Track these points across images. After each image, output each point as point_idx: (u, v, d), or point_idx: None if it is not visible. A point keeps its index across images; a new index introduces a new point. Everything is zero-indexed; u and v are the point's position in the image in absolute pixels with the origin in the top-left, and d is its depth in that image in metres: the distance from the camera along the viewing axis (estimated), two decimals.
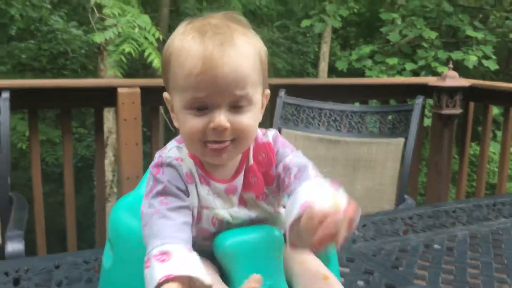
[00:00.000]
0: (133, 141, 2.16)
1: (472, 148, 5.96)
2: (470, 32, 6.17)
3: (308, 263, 0.67)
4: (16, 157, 7.57)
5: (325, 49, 8.78)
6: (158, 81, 2.87)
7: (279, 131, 2.12)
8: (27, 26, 8.28)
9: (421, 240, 1.15)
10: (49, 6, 8.48)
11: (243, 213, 0.70)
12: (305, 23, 6.41)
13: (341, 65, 6.68)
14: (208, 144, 0.65)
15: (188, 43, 0.65)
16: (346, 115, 2.12)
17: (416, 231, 1.21)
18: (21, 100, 1.94)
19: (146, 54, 4.67)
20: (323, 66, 8.73)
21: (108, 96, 2.14)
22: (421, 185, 4.77)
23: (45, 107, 2.65)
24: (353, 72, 6.86)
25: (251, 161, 0.71)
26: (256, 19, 9.59)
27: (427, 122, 3.74)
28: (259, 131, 0.73)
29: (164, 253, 0.60)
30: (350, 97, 2.77)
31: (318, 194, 0.61)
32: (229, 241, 0.65)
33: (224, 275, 0.66)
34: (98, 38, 4.96)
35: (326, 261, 0.70)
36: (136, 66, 8.31)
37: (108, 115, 5.73)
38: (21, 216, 1.56)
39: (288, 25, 9.92)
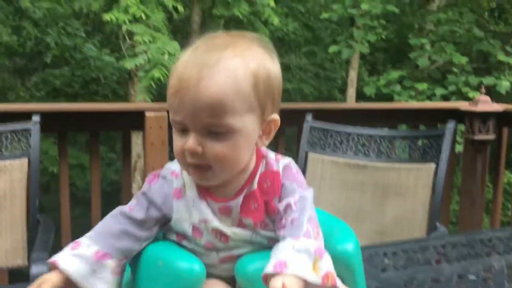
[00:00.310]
0: (160, 164, 2.13)
1: (506, 176, 5.78)
2: (502, 57, 6.06)
3: None
4: (48, 180, 7.73)
5: (352, 75, 8.75)
6: None
7: (306, 155, 2.10)
8: (61, 53, 8.57)
9: (455, 270, 1.09)
10: (83, 35, 8.78)
11: (244, 233, 0.68)
12: (332, 49, 6.42)
13: (369, 90, 6.64)
14: (189, 166, 0.64)
15: (179, 60, 0.64)
16: (375, 140, 2.08)
17: (449, 261, 1.15)
18: (51, 123, 1.98)
19: None
20: (351, 92, 8.70)
21: (136, 120, 2.16)
22: (452, 213, 4.63)
23: (74, 130, 2.71)
24: (381, 98, 6.80)
25: (255, 186, 0.68)
26: (284, 45, 9.67)
27: (458, 148, 3.65)
28: (273, 156, 0.70)
29: (77, 242, 0.66)
30: (378, 122, 2.73)
31: (296, 259, 0.61)
32: (252, 266, 0.62)
33: None
34: (129, 64, 5.08)
35: None
36: (164, 92, 8.45)
37: (137, 140, 5.82)
38: (47, 238, 1.56)
39: (315, 51, 9.96)
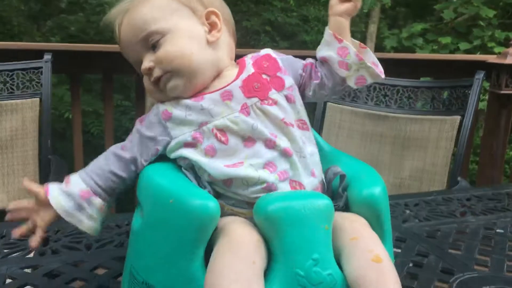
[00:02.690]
0: None
1: None
2: None
3: (361, 240, 0.58)
4: (64, 127, 7.78)
5: (372, 29, 8.48)
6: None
7: (324, 104, 2.02)
8: None
9: (481, 223, 1.04)
10: None
11: (243, 119, 0.64)
12: None
13: (390, 43, 6.43)
14: (157, 87, 0.69)
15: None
16: (397, 90, 1.99)
17: (475, 214, 1.09)
18: (63, 63, 1.91)
19: None
20: (370, 46, 8.43)
21: None
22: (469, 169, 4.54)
23: (87, 71, 2.66)
24: (401, 52, 6.58)
25: (252, 70, 0.68)
26: None
27: (480, 105, 3.52)
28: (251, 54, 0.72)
29: (68, 179, 0.68)
30: (400, 73, 2.61)
31: None
32: (272, 206, 0.57)
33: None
34: None
35: (381, 237, 0.61)
36: None
37: None
38: (60, 179, 1.54)
39: None
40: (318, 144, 0.76)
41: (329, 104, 2.03)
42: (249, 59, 0.71)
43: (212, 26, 0.71)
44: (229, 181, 0.63)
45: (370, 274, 0.54)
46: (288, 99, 0.68)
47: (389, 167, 1.95)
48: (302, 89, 0.72)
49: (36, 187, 0.68)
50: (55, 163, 1.66)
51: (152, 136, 0.67)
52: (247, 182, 0.63)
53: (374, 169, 0.70)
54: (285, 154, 0.65)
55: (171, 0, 0.70)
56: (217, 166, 0.63)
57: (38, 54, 1.75)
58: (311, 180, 0.67)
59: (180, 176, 0.64)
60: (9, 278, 0.75)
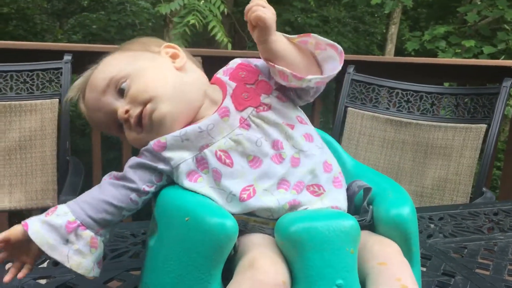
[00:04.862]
0: None
1: None
2: None
3: (390, 266, 0.54)
4: (83, 123, 7.86)
5: (393, 30, 8.38)
6: (220, 52, 2.79)
7: (345, 110, 1.98)
8: None
9: (511, 240, 0.99)
10: None
11: (246, 136, 0.61)
12: (375, 0, 6.10)
13: (411, 46, 6.33)
14: (137, 126, 0.64)
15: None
16: (421, 96, 1.94)
17: (503, 230, 1.05)
18: (83, 64, 1.91)
19: (210, 27, 4.61)
20: (390, 48, 8.36)
21: None
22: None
23: None
24: (423, 55, 6.48)
25: (233, 84, 0.64)
26: None
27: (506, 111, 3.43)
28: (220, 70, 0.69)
29: (55, 208, 0.61)
30: (422, 78, 2.55)
31: None
32: (295, 226, 0.54)
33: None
34: (164, 9, 4.96)
35: (409, 260, 0.58)
36: (200, 39, 8.33)
37: None
38: (76, 181, 1.54)
39: (356, 3, 9.54)
40: (341, 158, 0.73)
41: (349, 109, 1.99)
42: (223, 76, 0.67)
43: (173, 57, 0.69)
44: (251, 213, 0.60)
45: None
46: (280, 99, 0.65)
47: (410, 175, 1.90)
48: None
49: (3, 234, 0.59)
50: (73, 164, 1.65)
51: (152, 165, 0.62)
52: (270, 211, 0.60)
53: (402, 187, 0.66)
54: (293, 163, 0.62)
55: (125, 52, 0.69)
56: (234, 204, 0.59)
57: (58, 55, 1.75)
58: (327, 176, 0.64)
59: (199, 194, 0.62)
60: None
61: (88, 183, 1.86)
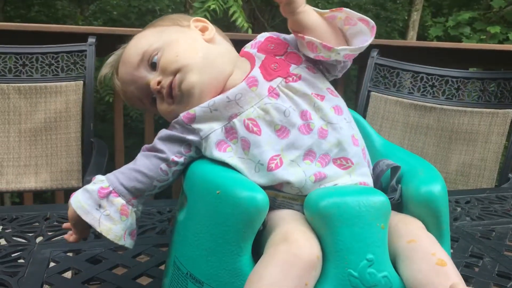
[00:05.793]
0: None
1: None
2: None
3: (420, 243, 0.53)
4: (104, 109, 7.94)
5: (415, 17, 8.22)
6: (239, 35, 2.77)
7: (368, 94, 1.96)
8: None
9: None
10: None
11: (274, 105, 0.61)
12: None
13: (434, 32, 6.22)
14: (169, 94, 0.65)
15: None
16: (446, 80, 1.91)
17: None
18: (106, 46, 1.92)
19: (231, 12, 4.58)
20: (412, 35, 8.21)
21: None
22: None
23: None
24: (446, 42, 6.35)
25: (262, 56, 0.64)
26: None
27: None
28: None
29: (93, 179, 0.64)
30: (447, 63, 2.51)
31: None
32: (325, 201, 0.54)
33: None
34: None
35: (439, 239, 0.57)
36: (220, 26, 8.31)
37: None
38: (101, 161, 1.55)
39: None
40: (369, 136, 0.73)
41: (372, 93, 1.97)
42: (251, 49, 0.67)
43: (203, 30, 0.70)
44: (279, 185, 0.60)
45: (435, 278, 0.50)
46: (310, 70, 0.64)
47: (434, 160, 1.87)
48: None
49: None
50: (97, 145, 1.67)
51: (181, 136, 0.63)
52: (297, 185, 0.59)
53: (433, 166, 0.65)
54: (321, 134, 0.61)
55: (156, 28, 0.70)
56: (262, 174, 0.59)
57: (82, 38, 1.76)
58: (356, 149, 0.63)
59: (228, 168, 0.62)
60: (53, 262, 0.75)
61: (110, 169, 1.88)
